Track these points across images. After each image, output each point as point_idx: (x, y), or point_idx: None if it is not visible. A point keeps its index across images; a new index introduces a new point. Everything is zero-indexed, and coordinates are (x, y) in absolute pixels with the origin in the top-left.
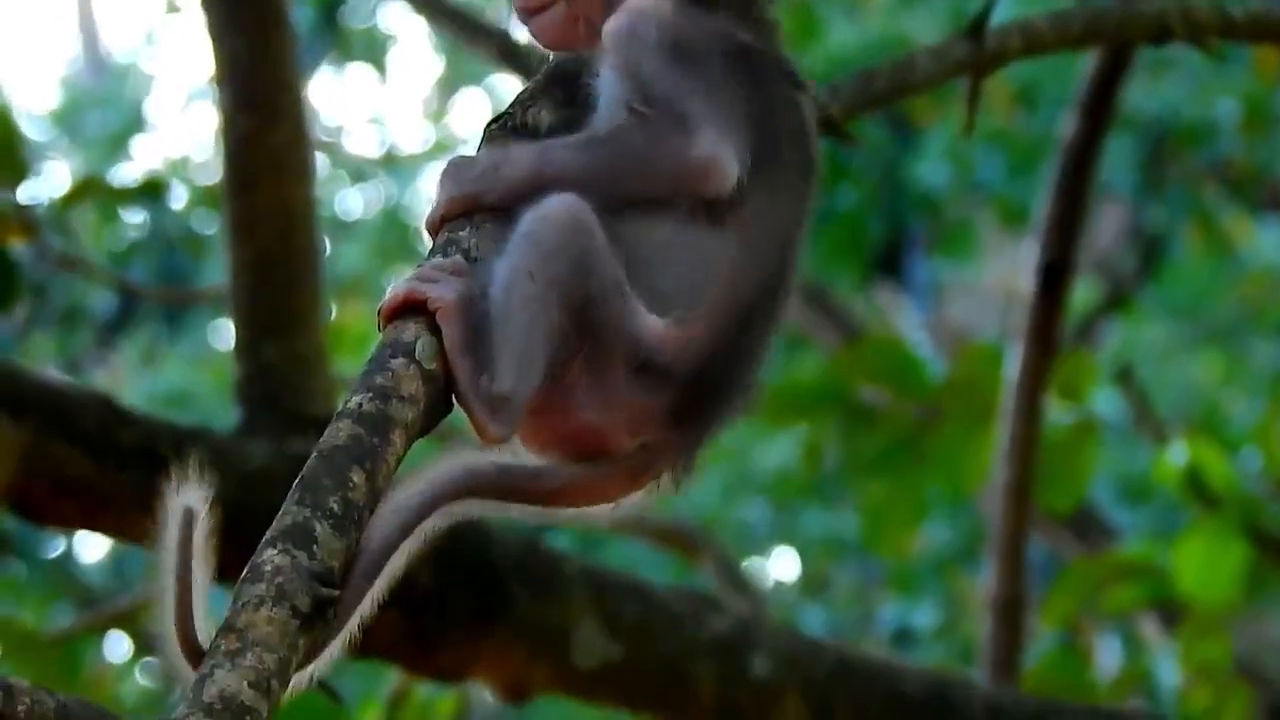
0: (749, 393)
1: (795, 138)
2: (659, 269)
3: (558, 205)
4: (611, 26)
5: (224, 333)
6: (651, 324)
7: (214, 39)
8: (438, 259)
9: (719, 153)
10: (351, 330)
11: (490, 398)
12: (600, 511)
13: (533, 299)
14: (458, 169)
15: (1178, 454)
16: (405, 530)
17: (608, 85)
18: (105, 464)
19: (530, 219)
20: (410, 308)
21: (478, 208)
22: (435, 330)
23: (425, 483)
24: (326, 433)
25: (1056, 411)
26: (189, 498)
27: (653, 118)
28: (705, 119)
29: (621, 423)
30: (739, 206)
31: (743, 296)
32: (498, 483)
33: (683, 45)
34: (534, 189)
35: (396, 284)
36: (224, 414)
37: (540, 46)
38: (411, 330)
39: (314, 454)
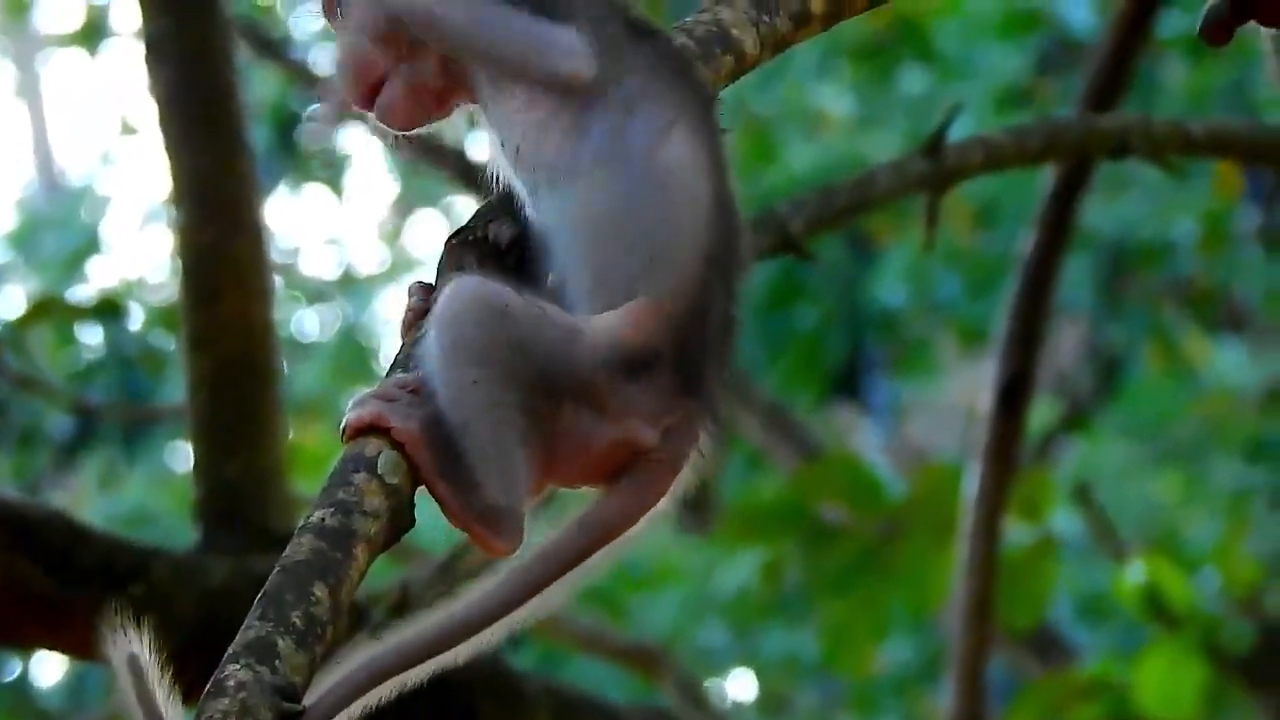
0: (736, 329)
1: (687, 79)
2: (598, 264)
3: (462, 300)
4: None
5: (183, 453)
6: (607, 328)
7: (171, 156)
8: (399, 374)
9: (578, 46)
10: (309, 451)
11: (485, 515)
12: (664, 511)
13: (486, 405)
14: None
15: (1137, 573)
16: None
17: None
18: (65, 582)
19: (442, 320)
20: (375, 430)
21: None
22: (398, 445)
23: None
24: (289, 547)
25: (1016, 530)
26: (131, 647)
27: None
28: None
29: (638, 423)
30: (650, 156)
31: (686, 245)
32: (573, 548)
33: None
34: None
35: (360, 401)
36: (183, 535)
37: (394, 133)
38: (374, 445)
39: (276, 569)
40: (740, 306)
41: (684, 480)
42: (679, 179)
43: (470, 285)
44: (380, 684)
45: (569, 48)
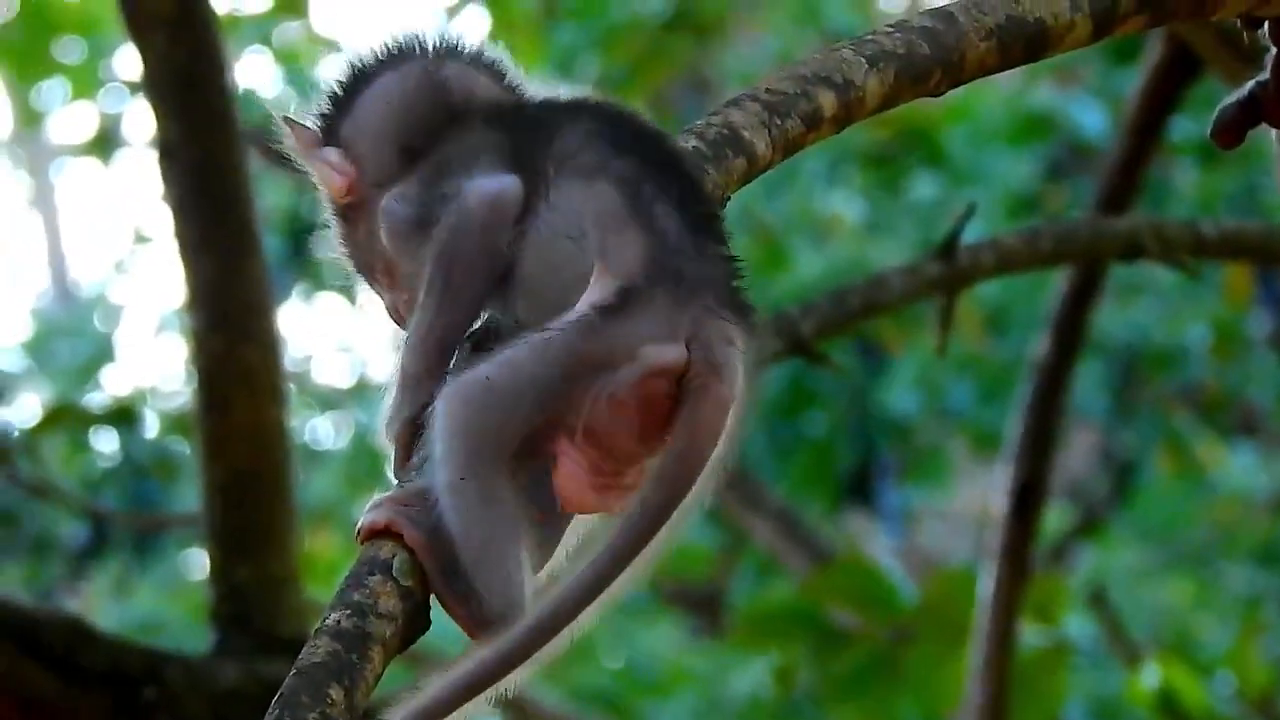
0: (715, 220)
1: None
2: (556, 286)
3: (447, 398)
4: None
5: (195, 561)
6: (574, 309)
7: (185, 263)
8: (412, 480)
9: (489, 183)
10: (323, 558)
11: (487, 624)
12: (737, 420)
13: (476, 503)
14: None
15: (1151, 677)
16: None
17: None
18: (74, 686)
19: (436, 422)
20: (390, 534)
21: (413, 427)
22: (410, 551)
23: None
24: (305, 650)
25: (1030, 634)
26: None
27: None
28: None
29: (651, 347)
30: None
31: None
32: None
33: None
34: (425, 366)
35: (375, 505)
36: (194, 641)
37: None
38: (388, 547)
39: (292, 671)
40: (703, 200)
41: (739, 379)
42: (585, 203)
43: (449, 386)
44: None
45: (490, 196)
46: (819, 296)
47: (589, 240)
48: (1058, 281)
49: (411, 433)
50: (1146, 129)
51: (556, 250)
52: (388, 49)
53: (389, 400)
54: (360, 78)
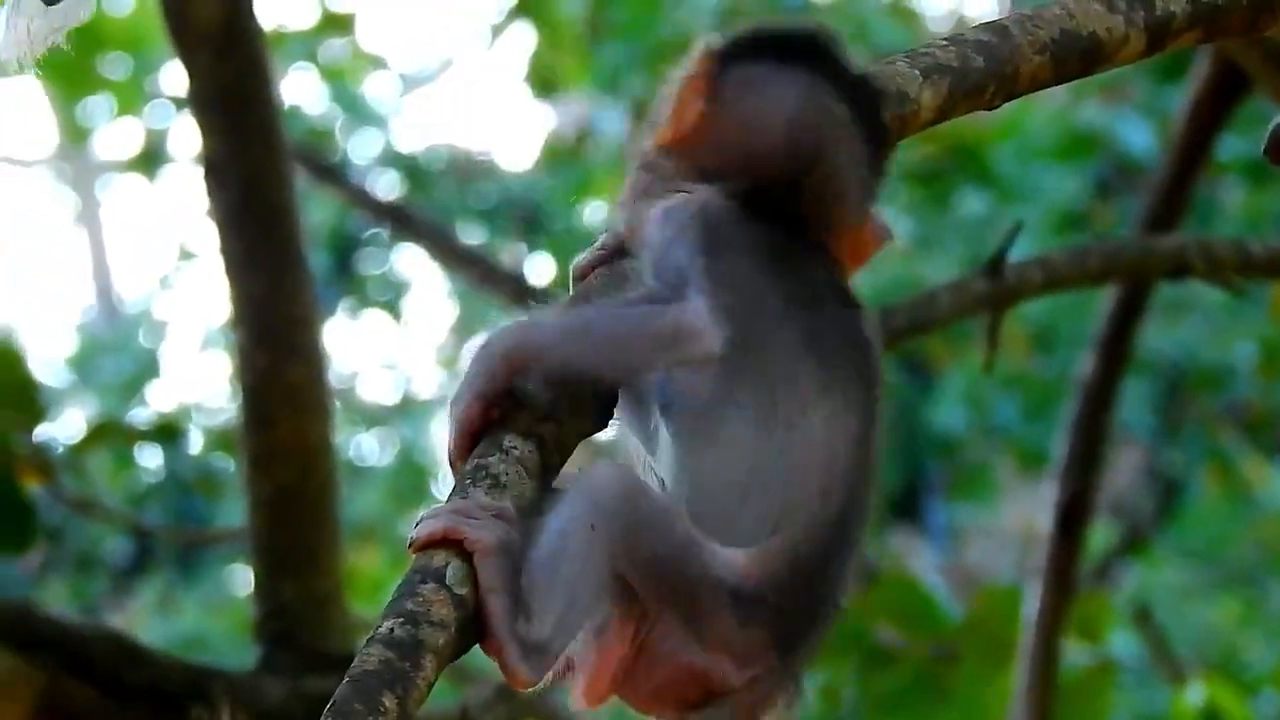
0: (836, 607)
1: (847, 348)
2: (724, 499)
3: (606, 473)
4: (653, 212)
5: (239, 577)
6: (731, 559)
7: (230, 279)
8: (479, 495)
9: (699, 319)
10: (367, 574)
11: (524, 641)
12: None
13: (587, 552)
14: (453, 396)
15: (1196, 695)
16: None
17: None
18: (123, 703)
19: (580, 484)
20: (446, 543)
21: (484, 413)
22: (466, 557)
23: None
24: (358, 658)
25: (1075, 652)
26: None
27: (651, 291)
28: (702, 294)
29: (727, 661)
30: (794, 423)
31: (816, 511)
32: None
33: (714, 231)
34: (522, 365)
35: (432, 514)
36: (238, 658)
37: None
38: (441, 556)
39: (345, 680)
40: (844, 591)
41: None
42: (817, 452)
43: (617, 467)
44: None
45: (690, 329)
46: None
47: (784, 522)
48: (1104, 299)
49: (481, 418)
50: (1194, 147)
51: (761, 481)
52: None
53: (468, 370)
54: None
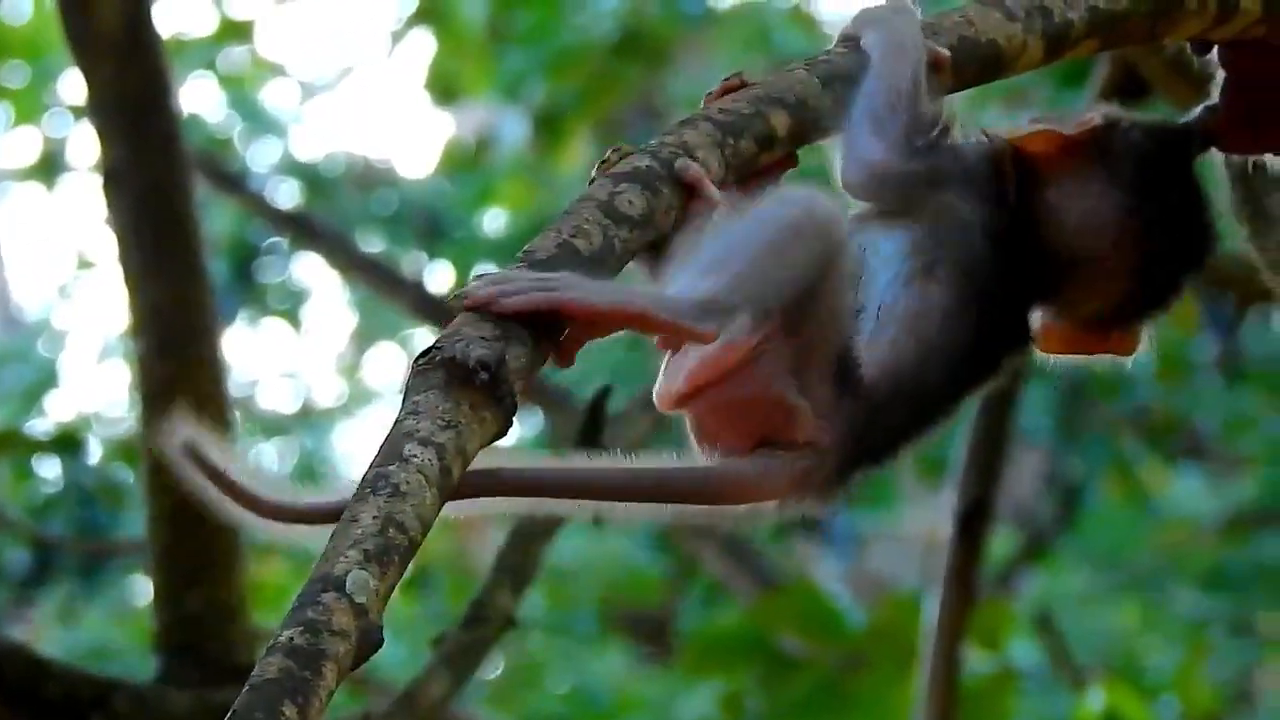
0: (915, 442)
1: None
2: (874, 301)
3: (824, 197)
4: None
5: (142, 587)
6: (861, 345)
7: (130, 289)
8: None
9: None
10: (269, 584)
11: (691, 303)
12: (766, 509)
13: (787, 241)
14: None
15: (1097, 701)
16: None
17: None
18: (28, 715)
19: (798, 195)
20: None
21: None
22: (372, 558)
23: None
24: (258, 666)
25: (976, 659)
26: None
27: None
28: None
29: (809, 411)
30: (942, 276)
31: (939, 350)
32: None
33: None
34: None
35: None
36: (142, 669)
37: None
38: (342, 564)
39: (246, 687)
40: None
41: (793, 502)
42: (959, 314)
43: (827, 197)
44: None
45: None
46: None
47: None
48: None
49: (499, 308)
50: None
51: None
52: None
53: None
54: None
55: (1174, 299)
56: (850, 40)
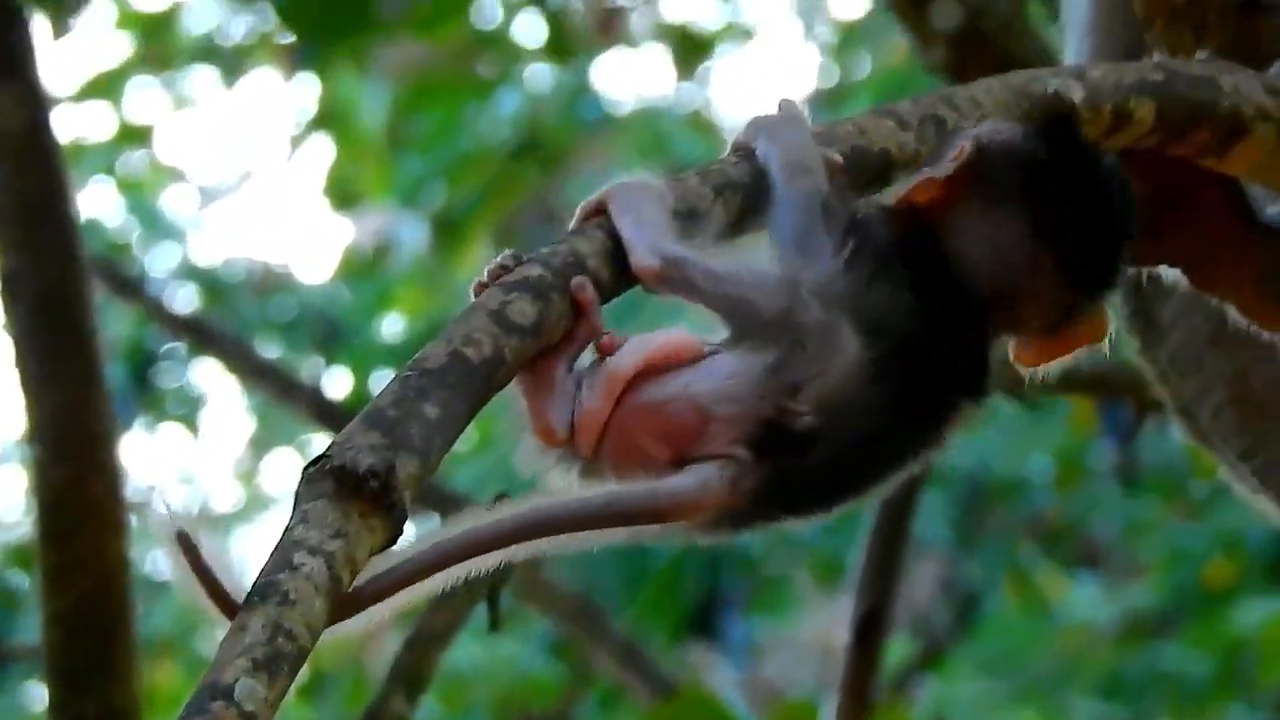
0: (840, 494)
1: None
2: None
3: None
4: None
5: (37, 693)
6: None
7: (26, 393)
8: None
9: None
10: (164, 691)
11: (654, 242)
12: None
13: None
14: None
15: None
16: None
17: None
18: None
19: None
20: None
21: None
22: (261, 666)
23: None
24: None
25: None
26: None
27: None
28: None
29: (736, 432)
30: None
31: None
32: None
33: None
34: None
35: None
36: None
37: None
38: (230, 671)
39: None
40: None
41: (728, 508)
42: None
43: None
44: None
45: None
46: None
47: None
48: None
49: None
50: None
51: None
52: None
53: None
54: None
55: (1120, 267)
56: (743, 149)
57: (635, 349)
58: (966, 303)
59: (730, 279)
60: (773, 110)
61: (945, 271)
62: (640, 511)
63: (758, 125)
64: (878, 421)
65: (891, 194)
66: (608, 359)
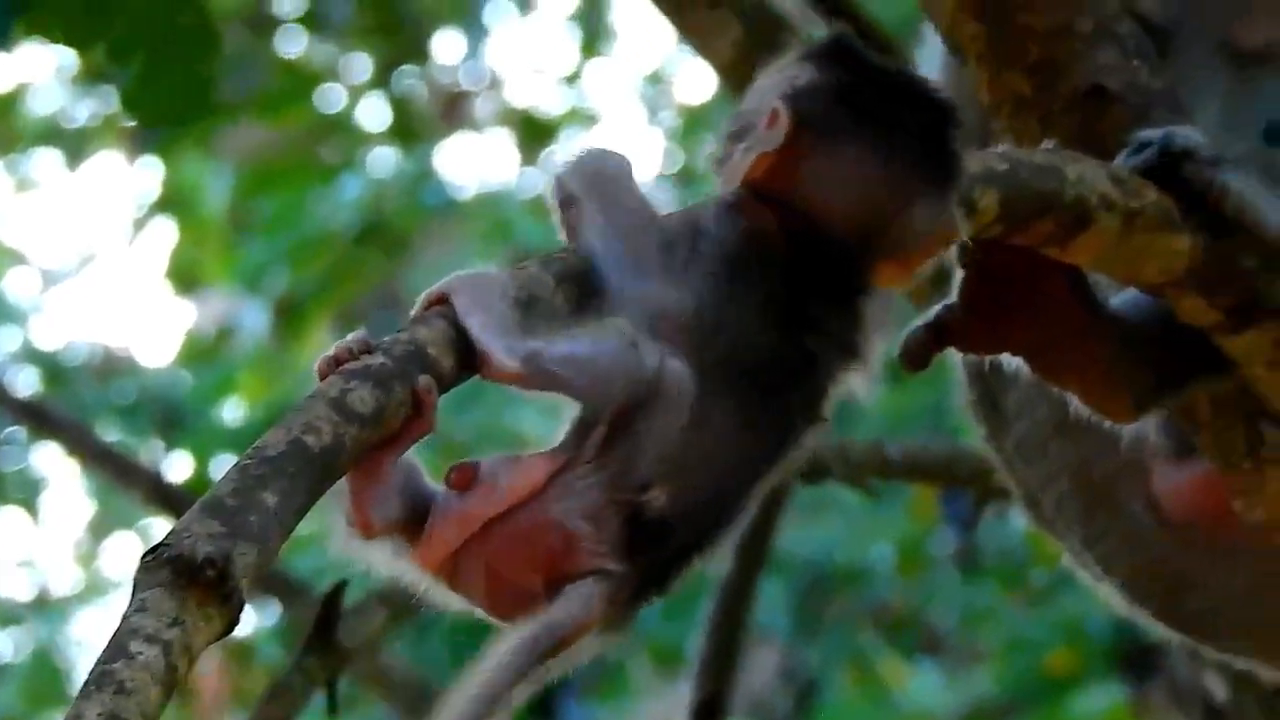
0: (708, 546)
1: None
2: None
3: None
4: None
5: None
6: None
7: None
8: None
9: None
10: None
11: (501, 332)
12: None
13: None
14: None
15: None
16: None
17: None
18: None
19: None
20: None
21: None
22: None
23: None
24: None
25: None
26: None
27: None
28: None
29: (594, 538)
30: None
31: (702, 481)
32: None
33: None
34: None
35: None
36: None
37: None
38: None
39: None
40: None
41: (606, 623)
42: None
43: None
44: None
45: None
46: None
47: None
48: None
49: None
50: None
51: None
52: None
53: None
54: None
55: (958, 146)
56: (564, 193)
57: (487, 495)
58: (825, 268)
59: (578, 360)
60: (587, 152)
61: (797, 246)
62: (547, 650)
63: (568, 169)
64: (726, 453)
65: (721, 186)
66: (462, 496)
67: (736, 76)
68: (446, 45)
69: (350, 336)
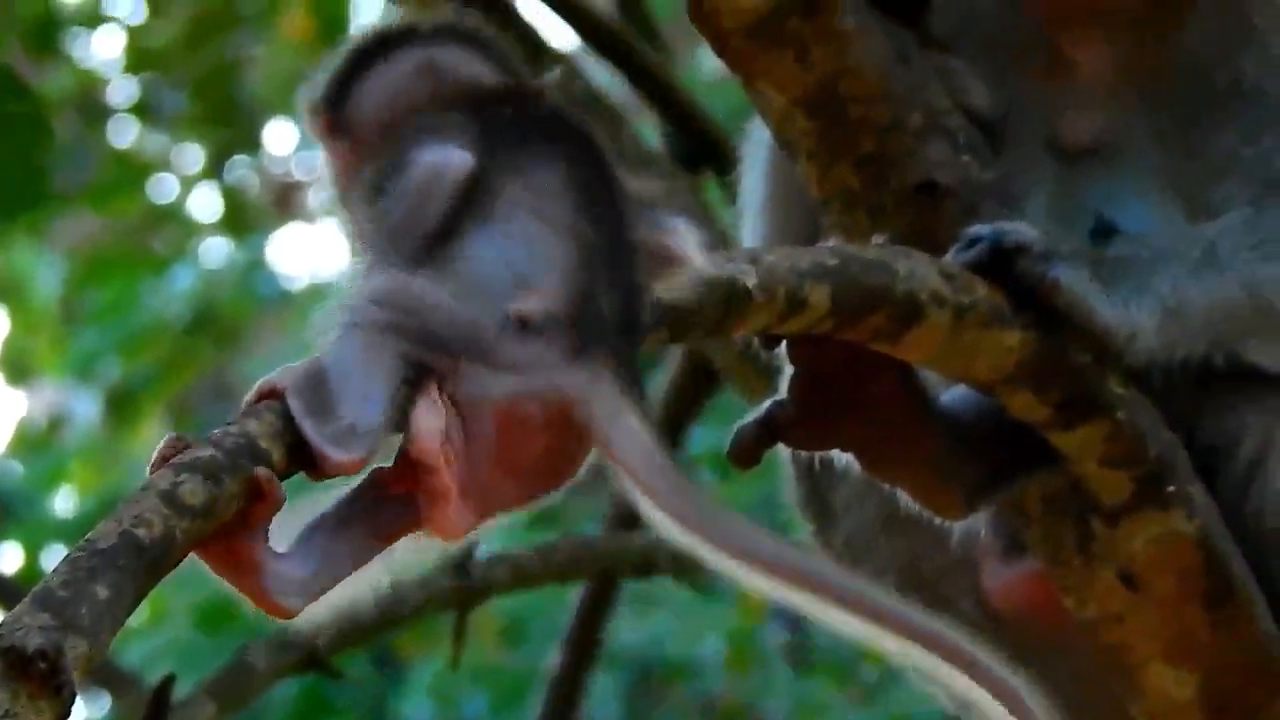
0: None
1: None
2: (501, 264)
3: (375, 280)
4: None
5: None
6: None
7: None
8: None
9: (437, 154)
10: None
11: (335, 435)
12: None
13: (363, 345)
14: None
15: None
16: None
17: None
18: None
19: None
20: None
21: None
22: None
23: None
24: None
25: None
26: None
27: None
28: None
29: (534, 372)
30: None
31: (575, 251)
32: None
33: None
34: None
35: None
36: None
37: None
38: None
39: None
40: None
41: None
42: (563, 211)
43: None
44: None
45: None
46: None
47: (533, 255)
48: (575, 593)
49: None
50: (668, 436)
51: (501, 241)
52: (386, 34)
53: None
54: (361, 63)
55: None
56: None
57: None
58: None
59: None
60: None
61: None
62: None
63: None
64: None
65: None
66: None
67: None
68: (278, 135)
69: (166, 438)
